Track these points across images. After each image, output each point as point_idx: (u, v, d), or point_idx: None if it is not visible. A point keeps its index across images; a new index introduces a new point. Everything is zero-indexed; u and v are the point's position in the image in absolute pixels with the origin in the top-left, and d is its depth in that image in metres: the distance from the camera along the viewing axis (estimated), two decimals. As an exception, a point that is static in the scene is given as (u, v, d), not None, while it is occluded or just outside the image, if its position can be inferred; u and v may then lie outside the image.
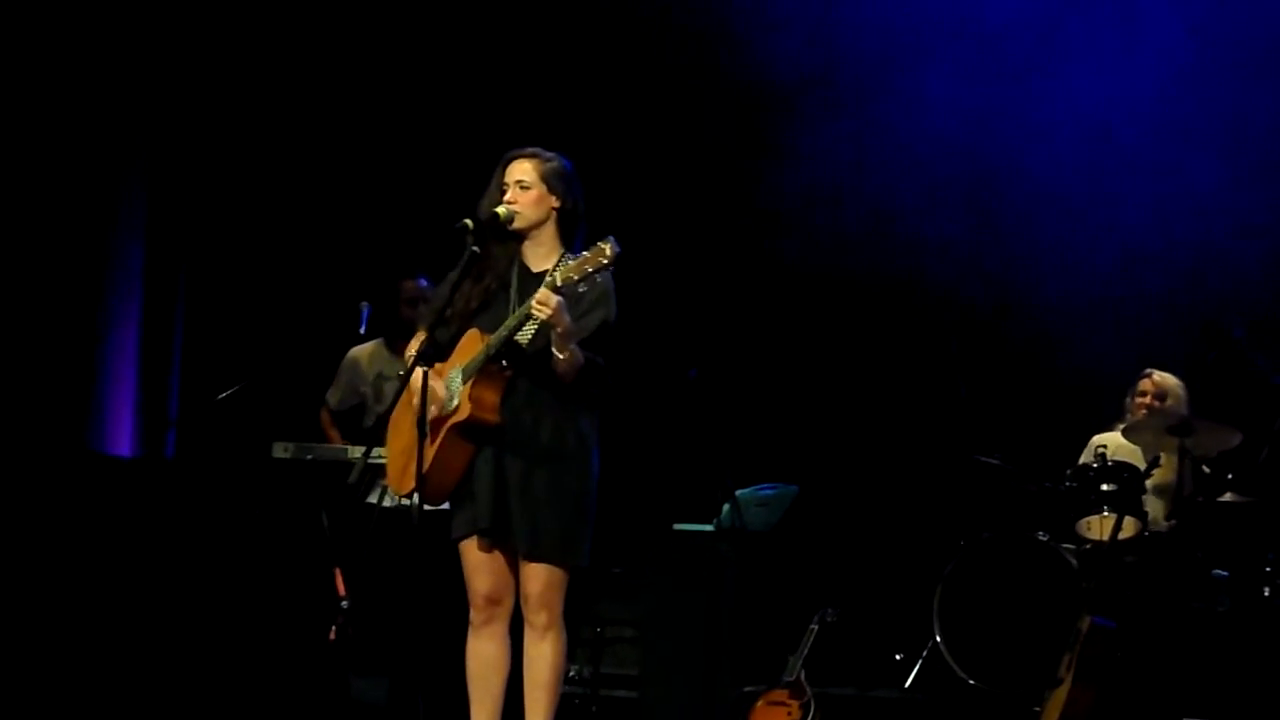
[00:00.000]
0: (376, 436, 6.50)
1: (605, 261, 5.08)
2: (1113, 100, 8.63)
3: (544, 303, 5.11)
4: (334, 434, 7.53)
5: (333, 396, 7.58)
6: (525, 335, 5.31)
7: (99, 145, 8.60)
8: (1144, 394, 7.67)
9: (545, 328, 5.23)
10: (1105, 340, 8.51)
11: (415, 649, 6.38)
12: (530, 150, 5.46)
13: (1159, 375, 7.67)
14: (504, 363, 5.32)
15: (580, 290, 5.18)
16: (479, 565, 5.42)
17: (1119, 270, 8.60)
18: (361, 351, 7.52)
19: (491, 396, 5.30)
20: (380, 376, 7.45)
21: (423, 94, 9.03)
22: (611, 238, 5.10)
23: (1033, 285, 8.68)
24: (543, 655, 5.38)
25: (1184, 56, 8.46)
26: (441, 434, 5.32)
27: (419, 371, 5.27)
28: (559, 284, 5.12)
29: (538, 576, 5.36)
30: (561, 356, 5.22)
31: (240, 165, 9.07)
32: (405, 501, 6.74)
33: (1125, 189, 8.59)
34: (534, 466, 5.32)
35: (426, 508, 5.36)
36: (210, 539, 7.20)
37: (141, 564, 7.07)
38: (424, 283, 7.46)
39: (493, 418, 5.30)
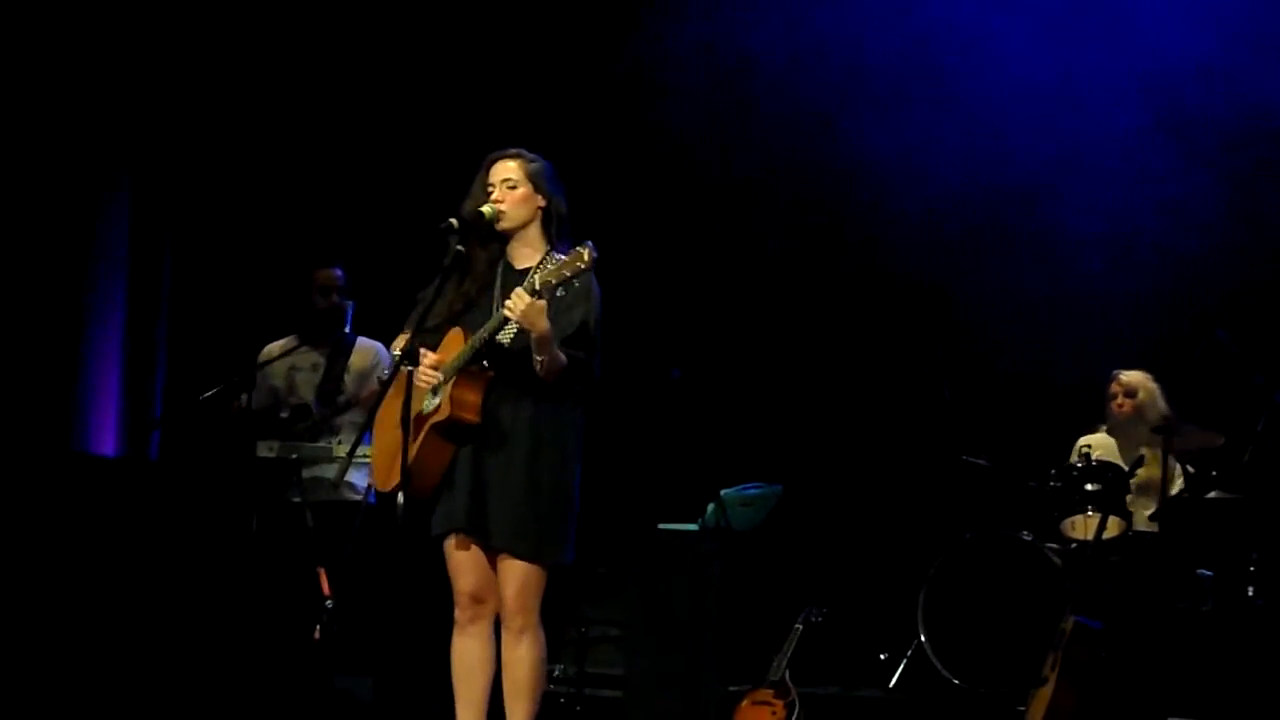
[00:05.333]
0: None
1: (583, 266, 5.11)
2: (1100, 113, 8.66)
3: (514, 306, 5.13)
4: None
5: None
6: (507, 335, 5.33)
7: (83, 143, 8.58)
8: (1113, 396, 7.71)
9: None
10: (1091, 341, 8.52)
11: (401, 647, 6.38)
12: (514, 151, 5.50)
13: (1125, 374, 7.72)
14: (485, 363, 5.33)
15: (559, 294, 5.21)
16: (461, 564, 5.43)
17: (1104, 270, 8.61)
18: (272, 348, 7.47)
19: (473, 397, 5.31)
20: (293, 369, 7.40)
21: (407, 91, 9.03)
22: (590, 243, 5.14)
23: (1018, 285, 8.70)
24: (521, 659, 5.38)
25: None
26: (423, 433, 5.33)
27: (404, 371, 5.30)
28: (537, 287, 5.14)
29: (514, 577, 5.35)
30: (540, 359, 5.23)
31: (226, 164, 9.06)
32: (355, 497, 6.79)
33: (1109, 188, 8.60)
34: (512, 465, 5.32)
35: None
36: (195, 539, 7.18)
37: (126, 564, 7.05)
38: (338, 272, 7.43)
39: (473, 418, 5.31)
